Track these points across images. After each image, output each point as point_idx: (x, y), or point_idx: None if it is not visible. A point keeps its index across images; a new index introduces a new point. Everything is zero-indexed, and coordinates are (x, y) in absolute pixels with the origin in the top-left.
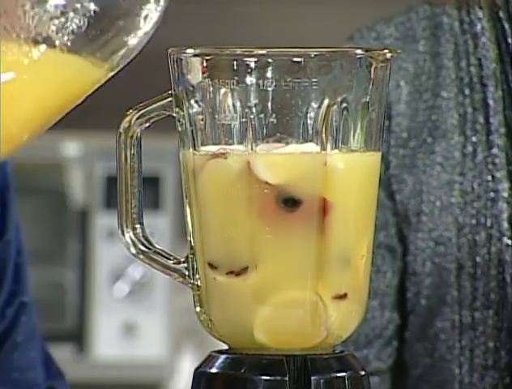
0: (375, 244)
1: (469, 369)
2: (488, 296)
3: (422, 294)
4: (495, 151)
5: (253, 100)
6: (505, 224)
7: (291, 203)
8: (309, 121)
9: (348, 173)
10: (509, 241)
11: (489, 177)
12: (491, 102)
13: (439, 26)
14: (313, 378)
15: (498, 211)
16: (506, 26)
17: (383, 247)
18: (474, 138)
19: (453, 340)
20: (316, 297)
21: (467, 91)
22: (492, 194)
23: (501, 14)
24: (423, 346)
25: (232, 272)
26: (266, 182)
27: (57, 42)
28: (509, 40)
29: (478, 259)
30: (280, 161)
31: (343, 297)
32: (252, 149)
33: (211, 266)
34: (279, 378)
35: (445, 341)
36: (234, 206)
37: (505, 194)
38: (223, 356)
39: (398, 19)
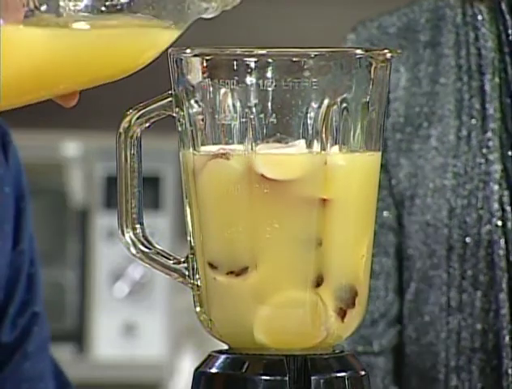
0: (379, 223)
1: (456, 353)
2: (476, 277)
3: (413, 278)
4: (489, 134)
5: (253, 100)
6: (496, 206)
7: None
8: (309, 121)
9: (348, 172)
10: (499, 222)
11: (482, 160)
12: (488, 89)
13: (442, 18)
14: (313, 378)
15: (489, 192)
16: (508, 17)
17: (386, 227)
18: (469, 123)
19: (440, 324)
20: (316, 297)
21: (465, 79)
22: (484, 176)
23: (503, 6)
24: (412, 331)
25: (232, 272)
26: (267, 178)
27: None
28: (510, 32)
29: (468, 240)
30: (281, 161)
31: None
32: (252, 149)
33: (211, 266)
34: (279, 378)
35: (432, 325)
36: (234, 206)
37: (497, 176)
38: (223, 356)
39: (402, 10)
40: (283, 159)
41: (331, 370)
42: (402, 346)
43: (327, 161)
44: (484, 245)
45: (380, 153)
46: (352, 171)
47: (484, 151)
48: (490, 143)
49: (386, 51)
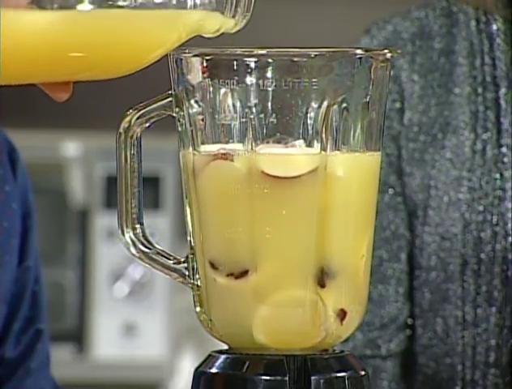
0: (391, 229)
1: (471, 367)
2: (491, 293)
3: (426, 288)
4: (504, 150)
5: (253, 100)
6: (511, 223)
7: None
8: (309, 121)
9: (348, 172)
10: None
11: (497, 175)
12: (502, 103)
13: (455, 24)
14: (313, 378)
15: (505, 209)
16: None
17: (398, 233)
18: (484, 136)
19: (456, 336)
20: (316, 296)
21: (479, 90)
22: (499, 192)
23: None
24: (426, 341)
25: (232, 274)
26: (268, 175)
27: None
28: None
29: (482, 256)
30: (283, 159)
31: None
32: (252, 149)
33: (212, 265)
34: (279, 378)
35: (448, 337)
36: (234, 206)
37: None
38: (223, 356)
39: (415, 13)
40: (284, 158)
41: (331, 370)
42: (414, 355)
43: (327, 161)
44: (499, 262)
45: (380, 153)
46: (352, 171)
47: (500, 165)
48: (505, 159)
49: (386, 51)
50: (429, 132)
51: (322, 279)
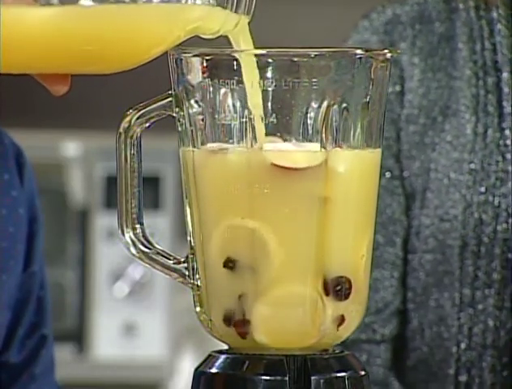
0: (387, 214)
1: (467, 348)
2: (490, 274)
3: (421, 271)
4: (507, 132)
5: None
6: None
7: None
8: (309, 121)
9: (348, 171)
10: None
11: (500, 158)
12: (504, 87)
13: (455, 10)
14: (313, 378)
15: (507, 190)
16: None
17: (394, 218)
18: (485, 119)
19: (451, 318)
20: (316, 296)
21: (480, 74)
22: (501, 174)
23: None
24: (418, 324)
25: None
26: (275, 165)
27: None
28: None
29: (483, 237)
30: (286, 152)
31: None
32: (252, 146)
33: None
34: (279, 378)
35: (443, 319)
36: (235, 204)
37: None
38: (223, 356)
39: (413, 0)
40: (287, 152)
41: (331, 370)
42: (406, 339)
43: (328, 159)
44: (500, 244)
45: (380, 150)
46: (352, 169)
47: (502, 148)
48: (508, 142)
49: (385, 51)
50: (429, 115)
51: (322, 279)
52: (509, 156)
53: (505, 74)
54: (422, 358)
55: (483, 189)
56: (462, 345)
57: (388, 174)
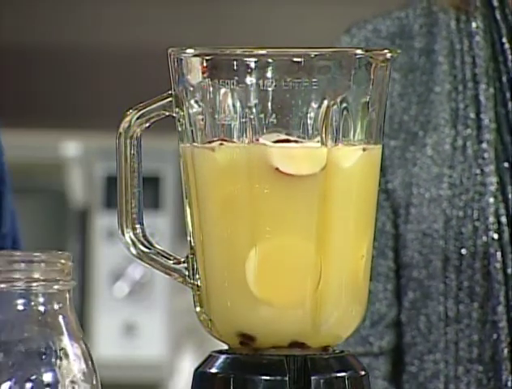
0: (378, 227)
1: (454, 363)
2: (472, 288)
3: (409, 287)
4: (484, 145)
5: (253, 100)
6: (492, 218)
7: None
8: (309, 121)
9: (348, 170)
10: (495, 235)
11: (478, 171)
12: (482, 99)
13: (435, 23)
14: (313, 378)
15: (485, 204)
16: (502, 26)
17: (385, 231)
18: (465, 133)
19: (438, 333)
20: (316, 296)
21: (460, 88)
22: (480, 188)
23: (497, 15)
24: (410, 338)
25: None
26: (279, 171)
27: None
28: (504, 40)
29: (464, 252)
30: (290, 151)
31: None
32: (252, 141)
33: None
34: (279, 378)
35: (430, 334)
36: (235, 203)
37: (493, 189)
38: (223, 357)
39: (395, 14)
40: (291, 157)
41: (331, 370)
42: (401, 353)
43: (328, 159)
44: (480, 257)
45: (380, 147)
46: (353, 168)
47: (480, 161)
48: (486, 155)
49: (386, 51)
50: (410, 130)
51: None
52: (487, 170)
53: (482, 86)
54: (414, 372)
55: (462, 203)
56: (450, 360)
57: None
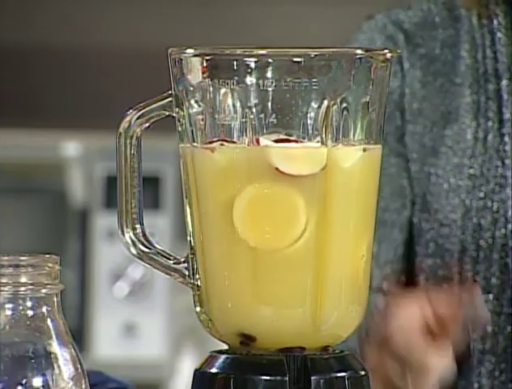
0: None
1: None
2: (489, 280)
3: (422, 275)
4: (506, 139)
5: (253, 100)
6: (511, 210)
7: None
8: (309, 121)
9: (349, 170)
10: None
11: (499, 163)
12: (504, 94)
13: (457, 18)
14: (313, 378)
15: (505, 196)
16: None
17: (398, 222)
18: (486, 125)
19: None
20: (316, 296)
21: (481, 81)
22: (500, 180)
23: None
24: None
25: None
26: (279, 171)
27: None
28: None
29: (481, 243)
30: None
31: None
32: (253, 142)
33: None
34: (279, 378)
35: None
36: (234, 204)
37: None
38: (223, 356)
39: (417, 5)
40: (291, 158)
41: (331, 370)
42: None
43: (328, 159)
44: (498, 249)
45: (380, 147)
46: (353, 167)
47: (502, 153)
48: (507, 147)
49: (386, 51)
50: (429, 118)
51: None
52: (508, 162)
53: (504, 82)
54: None
55: (482, 194)
56: None
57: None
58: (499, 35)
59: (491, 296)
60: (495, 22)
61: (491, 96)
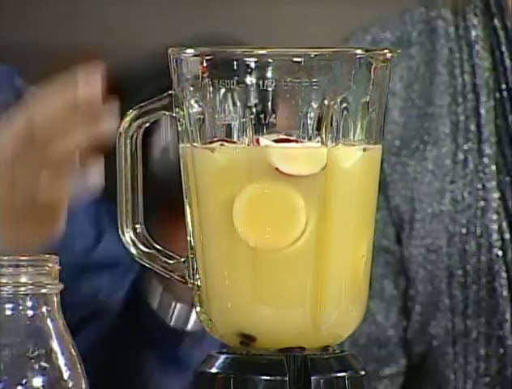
0: (376, 246)
1: (463, 376)
2: (479, 304)
3: (416, 300)
4: (486, 160)
5: (253, 100)
6: (495, 235)
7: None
8: (309, 121)
9: (348, 170)
10: (499, 252)
11: (480, 186)
12: (483, 111)
13: (434, 30)
14: (313, 378)
15: (488, 220)
16: (501, 34)
17: (384, 249)
18: (465, 147)
19: (446, 347)
20: (316, 296)
21: (460, 100)
22: (482, 204)
23: (496, 22)
24: (419, 351)
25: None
26: (279, 171)
27: None
28: (503, 49)
29: (468, 268)
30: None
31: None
32: (253, 143)
33: None
34: (279, 378)
35: (439, 347)
36: (234, 204)
37: (495, 205)
38: (223, 356)
39: (393, 22)
40: (291, 159)
41: (331, 370)
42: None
43: (328, 159)
44: (485, 273)
45: (380, 146)
46: (352, 167)
47: (481, 176)
48: (487, 170)
49: (386, 51)
50: (411, 145)
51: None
52: (489, 185)
53: (483, 98)
54: (423, 384)
55: (464, 220)
56: (459, 373)
57: None
58: (477, 48)
59: (482, 319)
60: (473, 33)
61: (469, 115)
